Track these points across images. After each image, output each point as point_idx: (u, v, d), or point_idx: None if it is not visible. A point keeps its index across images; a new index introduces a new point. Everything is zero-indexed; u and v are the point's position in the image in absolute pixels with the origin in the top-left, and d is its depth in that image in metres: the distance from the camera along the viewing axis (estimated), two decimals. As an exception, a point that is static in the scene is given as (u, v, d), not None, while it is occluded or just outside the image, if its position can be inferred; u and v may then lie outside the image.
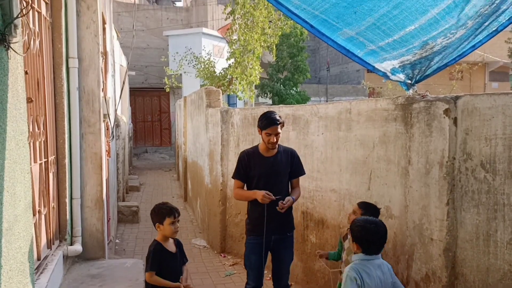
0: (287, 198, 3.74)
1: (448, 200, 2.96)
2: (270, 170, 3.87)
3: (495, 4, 2.62)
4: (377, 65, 3.48)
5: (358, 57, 3.40)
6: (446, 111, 2.97)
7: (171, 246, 3.32)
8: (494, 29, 2.93)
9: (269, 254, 4.00)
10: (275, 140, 3.79)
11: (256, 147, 4.03)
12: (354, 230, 2.73)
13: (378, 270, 2.65)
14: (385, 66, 3.46)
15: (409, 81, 3.45)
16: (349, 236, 3.48)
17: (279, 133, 3.80)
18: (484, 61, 27.36)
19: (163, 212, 3.24)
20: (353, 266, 2.65)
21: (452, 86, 22.37)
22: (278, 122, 3.77)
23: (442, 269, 3.01)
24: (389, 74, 3.51)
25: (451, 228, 2.96)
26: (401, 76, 3.48)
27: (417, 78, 3.41)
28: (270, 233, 3.83)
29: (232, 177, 4.10)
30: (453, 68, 21.28)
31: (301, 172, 4.04)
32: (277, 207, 3.67)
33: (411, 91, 3.46)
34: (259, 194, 3.69)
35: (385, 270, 2.69)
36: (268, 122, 3.77)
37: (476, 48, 3.20)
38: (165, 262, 3.22)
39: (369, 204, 3.45)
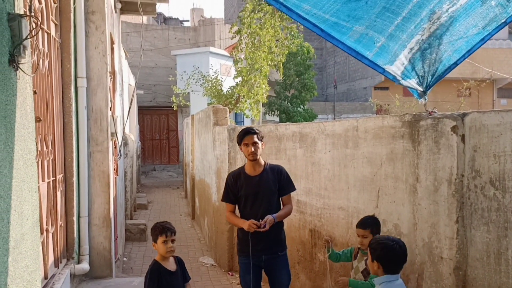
0: (267, 217, 3.71)
1: (458, 218, 2.92)
2: (256, 189, 3.89)
3: None
4: (387, 67, 3.46)
5: (368, 60, 3.39)
6: (454, 128, 2.95)
7: (171, 265, 3.32)
8: (502, 21, 2.93)
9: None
10: (253, 149, 3.82)
11: (242, 167, 4.08)
12: (377, 249, 2.64)
13: None
14: (395, 69, 3.43)
15: (420, 88, 3.41)
16: (359, 256, 3.45)
17: (256, 142, 3.86)
18: (492, 78, 27.28)
19: (156, 231, 3.27)
20: None
21: (460, 103, 22.28)
22: (252, 131, 3.88)
23: (453, 288, 2.96)
24: (399, 78, 3.48)
25: (461, 246, 2.92)
26: (412, 82, 3.44)
27: (429, 81, 3.35)
28: (259, 253, 3.83)
29: (221, 200, 4.14)
30: (461, 85, 21.24)
31: (290, 188, 4.03)
32: (258, 229, 3.67)
33: (422, 100, 3.42)
34: (246, 224, 3.72)
35: None
36: (243, 133, 3.90)
37: (485, 42, 3.17)
38: (165, 281, 3.22)
39: (368, 219, 3.41)
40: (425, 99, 3.37)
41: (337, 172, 4.37)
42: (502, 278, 2.67)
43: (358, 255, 3.45)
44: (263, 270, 3.96)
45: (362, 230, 3.36)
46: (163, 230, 3.24)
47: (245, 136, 3.87)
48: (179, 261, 3.40)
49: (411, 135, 3.35)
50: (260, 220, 3.71)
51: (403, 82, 3.45)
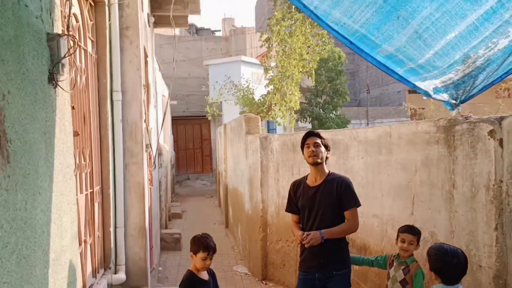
0: (312, 232, 3.48)
1: (497, 225, 2.84)
2: (311, 202, 3.64)
3: None
4: (418, 83, 3.39)
5: (398, 75, 3.33)
6: (491, 133, 2.88)
7: (204, 274, 3.34)
8: None
9: None
10: (313, 149, 3.61)
11: (305, 177, 3.85)
12: (435, 262, 2.60)
13: None
14: (427, 85, 3.36)
15: (454, 101, 3.35)
16: (395, 264, 3.38)
17: (318, 143, 3.63)
18: (532, 78, 26.33)
19: (199, 245, 3.23)
20: None
21: (498, 105, 21.61)
22: (315, 133, 3.70)
23: (494, 298, 2.86)
24: (431, 93, 3.41)
25: (501, 254, 2.83)
26: (445, 96, 3.38)
27: (462, 98, 3.30)
28: (312, 269, 3.60)
29: (285, 211, 3.95)
30: (499, 86, 20.62)
31: (351, 203, 3.58)
32: (303, 242, 3.50)
33: (455, 111, 3.35)
34: (297, 236, 3.62)
35: None
36: (306, 135, 3.73)
37: None
38: None
39: (414, 227, 3.36)
40: (458, 109, 3.30)
41: (371, 179, 4.31)
42: (546, 288, 2.57)
43: (394, 263, 3.38)
44: None
45: (411, 235, 3.27)
46: (207, 247, 3.20)
47: (308, 137, 3.69)
48: (211, 273, 3.43)
49: (446, 141, 3.28)
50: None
51: (435, 96, 3.38)
